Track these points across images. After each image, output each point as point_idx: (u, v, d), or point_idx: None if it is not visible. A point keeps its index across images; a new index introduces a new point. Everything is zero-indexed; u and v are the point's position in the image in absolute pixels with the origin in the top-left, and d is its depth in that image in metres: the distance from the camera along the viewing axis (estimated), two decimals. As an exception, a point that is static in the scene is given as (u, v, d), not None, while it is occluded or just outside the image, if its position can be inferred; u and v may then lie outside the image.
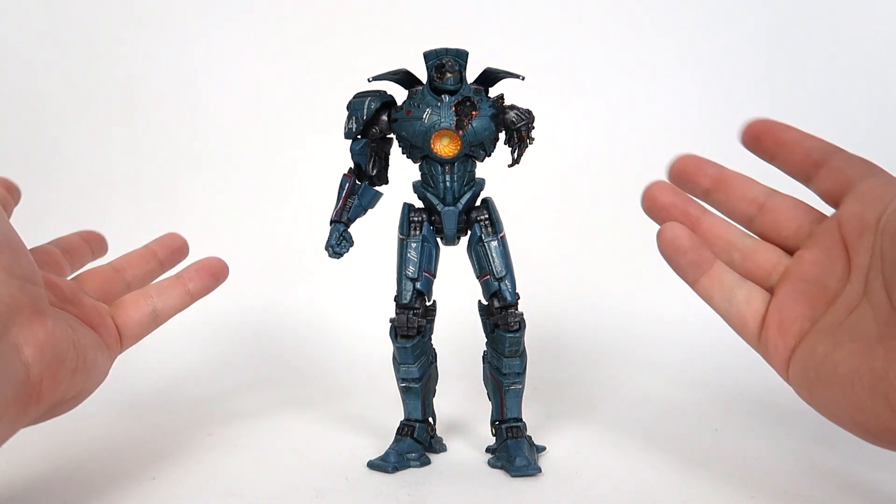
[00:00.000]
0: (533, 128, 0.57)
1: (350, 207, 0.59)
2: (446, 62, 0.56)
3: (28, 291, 0.46)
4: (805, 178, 0.53)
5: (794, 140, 0.54)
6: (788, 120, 1.11)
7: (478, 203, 0.59)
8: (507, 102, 0.57)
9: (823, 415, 0.47)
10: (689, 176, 0.56)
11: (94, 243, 0.66)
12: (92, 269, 0.60)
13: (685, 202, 0.56)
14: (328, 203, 0.59)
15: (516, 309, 0.58)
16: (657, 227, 0.57)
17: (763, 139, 0.55)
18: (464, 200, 0.58)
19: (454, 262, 0.62)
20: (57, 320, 0.48)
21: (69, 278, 0.58)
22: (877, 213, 0.47)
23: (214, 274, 0.62)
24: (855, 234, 0.48)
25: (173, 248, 0.67)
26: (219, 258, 0.64)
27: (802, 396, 0.49)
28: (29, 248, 0.56)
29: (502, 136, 0.58)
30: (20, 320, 0.45)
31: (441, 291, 0.61)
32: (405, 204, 0.60)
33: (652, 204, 0.57)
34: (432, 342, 0.61)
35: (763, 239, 0.54)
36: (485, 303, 0.59)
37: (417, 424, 0.60)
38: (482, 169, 0.59)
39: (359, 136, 0.58)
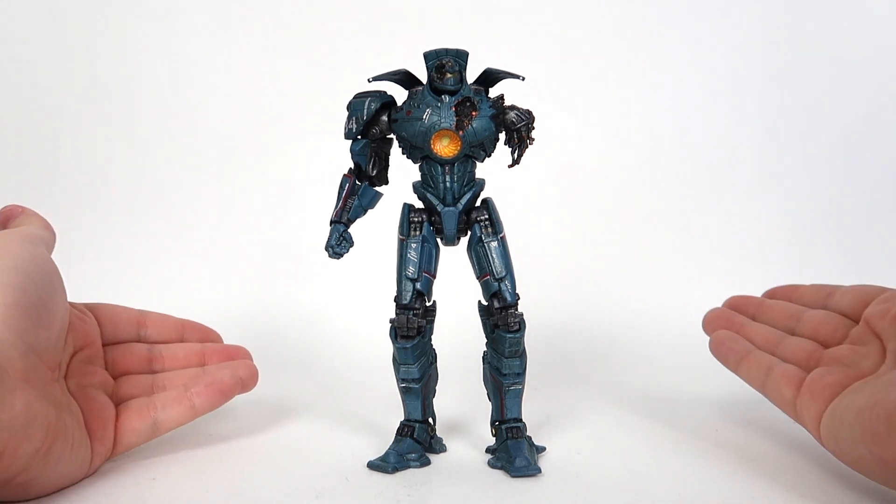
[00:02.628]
0: (533, 128, 0.56)
1: (350, 208, 0.59)
2: (446, 62, 0.56)
3: (28, 360, 0.47)
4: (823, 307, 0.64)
5: (799, 292, 0.67)
6: (787, 122, 1.11)
7: (478, 203, 0.59)
8: (507, 103, 0.57)
9: (847, 462, 0.51)
10: (737, 308, 0.71)
11: (207, 357, 0.69)
12: (136, 378, 0.62)
13: (730, 316, 0.70)
14: (328, 203, 0.59)
15: (516, 309, 0.58)
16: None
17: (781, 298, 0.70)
18: (464, 201, 0.58)
19: (454, 262, 0.62)
20: (43, 399, 0.48)
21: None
22: None
23: (224, 392, 0.63)
24: (886, 324, 0.55)
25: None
26: (231, 377, 0.64)
27: (831, 449, 0.53)
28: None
29: (502, 136, 0.58)
30: (5, 383, 0.45)
31: (441, 292, 0.61)
32: (405, 204, 0.60)
33: (706, 320, 0.73)
34: (432, 342, 0.61)
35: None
36: (485, 303, 0.59)
37: (417, 425, 0.60)
38: (482, 169, 0.59)
39: (359, 137, 0.58)
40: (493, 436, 0.60)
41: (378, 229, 0.66)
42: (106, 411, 0.56)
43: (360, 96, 0.59)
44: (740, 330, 0.67)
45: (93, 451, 0.54)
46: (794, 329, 0.64)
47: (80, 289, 0.65)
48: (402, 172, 0.60)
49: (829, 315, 0.62)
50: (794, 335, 0.63)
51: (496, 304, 0.58)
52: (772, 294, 0.71)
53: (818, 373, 0.56)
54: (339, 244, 0.58)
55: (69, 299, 0.61)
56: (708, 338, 0.71)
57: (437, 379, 0.63)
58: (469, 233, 0.59)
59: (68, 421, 0.51)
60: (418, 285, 0.58)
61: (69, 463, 0.51)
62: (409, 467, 0.58)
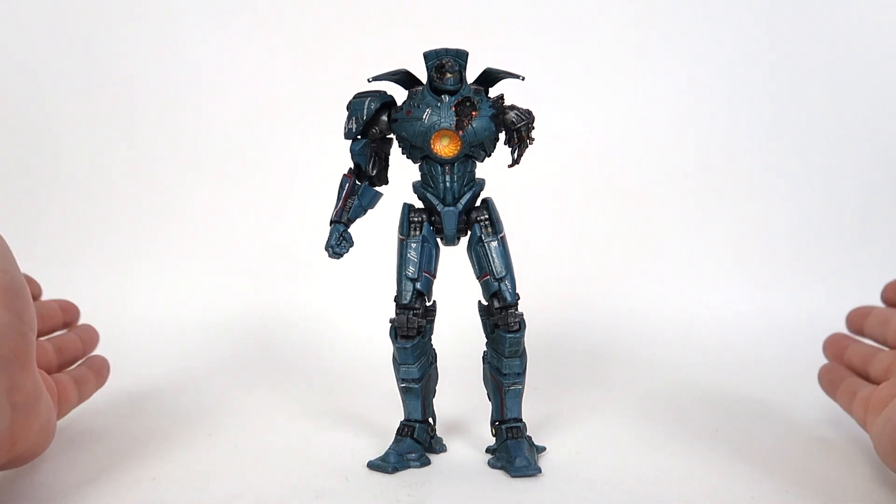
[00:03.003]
0: (533, 128, 0.56)
1: (350, 208, 0.59)
2: (446, 62, 0.56)
3: (28, 340, 0.48)
4: None
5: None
6: (787, 125, 1.11)
7: (478, 203, 0.59)
8: (506, 103, 0.57)
9: (883, 454, 0.52)
10: (852, 321, 0.70)
11: (68, 313, 0.70)
12: (41, 345, 0.62)
13: (840, 339, 0.70)
14: (328, 203, 0.59)
15: (516, 309, 0.58)
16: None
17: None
18: (464, 201, 0.58)
19: (454, 262, 0.62)
20: (37, 375, 0.50)
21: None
22: None
23: (107, 372, 0.70)
24: None
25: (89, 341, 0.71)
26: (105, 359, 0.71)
27: (875, 447, 0.53)
28: None
29: (502, 136, 0.58)
30: (14, 365, 0.46)
31: (441, 291, 0.61)
32: (405, 204, 0.60)
33: (825, 344, 0.71)
34: (432, 342, 0.61)
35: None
36: (485, 303, 0.59)
37: (417, 425, 0.60)
38: (482, 169, 0.59)
39: (359, 137, 0.58)
40: (493, 436, 0.60)
41: (378, 229, 0.66)
42: (48, 382, 0.57)
43: (360, 96, 0.59)
44: (844, 353, 0.68)
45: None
46: (886, 336, 0.63)
47: (81, 288, 0.65)
48: (402, 172, 0.60)
49: None
50: (888, 341, 0.63)
51: (496, 304, 0.58)
52: (849, 318, 0.71)
53: (882, 387, 0.57)
54: (339, 244, 0.58)
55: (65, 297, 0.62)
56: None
57: (437, 379, 0.63)
58: (469, 233, 0.59)
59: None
60: (418, 285, 0.58)
61: (53, 427, 0.53)
62: (409, 467, 0.58)
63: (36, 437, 0.49)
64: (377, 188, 0.60)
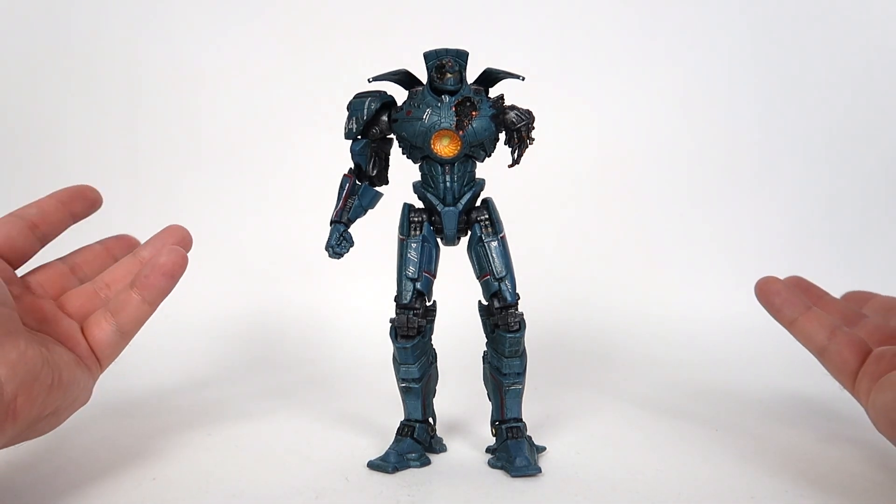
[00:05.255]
0: (533, 128, 0.56)
1: (350, 208, 0.59)
2: (446, 62, 0.56)
3: (2, 314, 0.47)
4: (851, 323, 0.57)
5: (875, 301, 0.59)
6: (787, 121, 1.11)
7: (478, 203, 0.59)
8: (506, 103, 0.57)
9: (881, 425, 0.50)
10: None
11: (115, 249, 0.66)
12: (75, 291, 0.60)
13: (861, 292, 0.62)
14: (328, 203, 0.59)
15: (516, 309, 0.58)
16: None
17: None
18: (464, 201, 0.58)
19: (454, 262, 0.62)
20: (29, 341, 0.48)
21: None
22: None
23: (168, 273, 0.58)
24: None
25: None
26: (175, 249, 0.59)
27: (870, 415, 0.52)
28: (40, 264, 0.58)
29: (502, 136, 0.58)
30: None
31: (441, 291, 0.61)
32: (405, 204, 0.60)
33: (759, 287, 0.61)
34: (432, 342, 0.61)
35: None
36: (485, 303, 0.59)
37: (417, 424, 0.60)
38: (482, 169, 0.59)
39: (359, 137, 0.58)
40: (493, 436, 0.60)
41: (378, 229, 0.66)
42: (72, 331, 0.55)
43: (361, 96, 0.59)
44: (865, 304, 0.59)
45: (86, 366, 0.54)
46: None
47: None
48: (402, 172, 0.60)
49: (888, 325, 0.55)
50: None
51: (496, 304, 0.58)
52: (846, 297, 0.62)
53: (884, 352, 0.51)
54: (339, 244, 0.58)
55: None
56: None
57: (437, 379, 0.63)
58: (469, 233, 0.59)
59: (57, 349, 0.51)
60: (418, 285, 0.58)
61: (81, 380, 0.52)
62: (409, 467, 0.58)
63: (46, 398, 0.48)
64: (377, 188, 0.60)
